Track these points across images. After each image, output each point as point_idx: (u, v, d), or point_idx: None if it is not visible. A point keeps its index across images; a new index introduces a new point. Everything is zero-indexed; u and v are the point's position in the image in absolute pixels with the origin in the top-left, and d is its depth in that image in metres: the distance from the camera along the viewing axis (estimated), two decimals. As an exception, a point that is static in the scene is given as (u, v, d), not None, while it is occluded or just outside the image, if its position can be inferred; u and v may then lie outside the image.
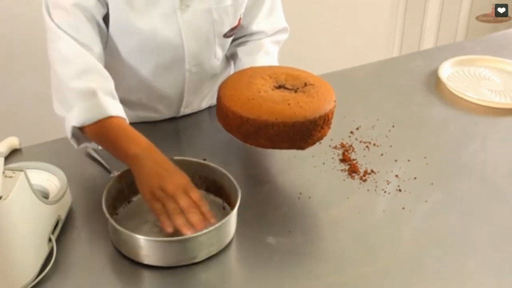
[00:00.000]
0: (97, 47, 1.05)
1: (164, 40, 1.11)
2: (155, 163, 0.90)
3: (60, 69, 1.02)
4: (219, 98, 1.02)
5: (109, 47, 1.12)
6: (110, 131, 0.97)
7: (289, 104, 0.97)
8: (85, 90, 0.99)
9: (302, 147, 0.99)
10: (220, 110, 1.02)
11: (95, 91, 0.99)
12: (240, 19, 1.19)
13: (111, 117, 0.97)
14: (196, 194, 0.87)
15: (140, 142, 0.94)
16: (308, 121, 0.95)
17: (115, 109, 0.99)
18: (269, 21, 1.26)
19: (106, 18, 1.08)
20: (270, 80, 1.03)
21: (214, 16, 1.13)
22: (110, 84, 1.03)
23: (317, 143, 1.02)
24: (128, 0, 1.05)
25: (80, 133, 1.01)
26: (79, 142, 1.03)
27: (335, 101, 1.01)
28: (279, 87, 1.02)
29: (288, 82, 1.04)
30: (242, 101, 0.98)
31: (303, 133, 0.96)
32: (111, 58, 1.13)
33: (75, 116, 0.98)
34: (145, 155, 0.91)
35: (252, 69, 1.10)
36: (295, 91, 1.01)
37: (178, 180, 0.89)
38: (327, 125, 1.00)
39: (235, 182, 0.94)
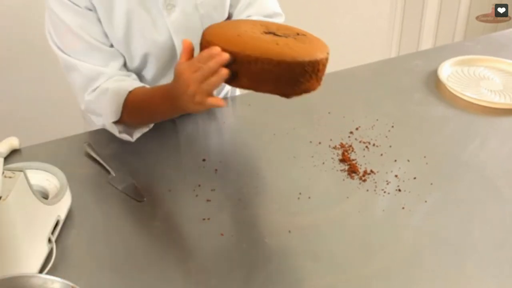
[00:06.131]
0: (114, 62, 1.10)
1: (157, 43, 1.10)
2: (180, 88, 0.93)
3: (79, 95, 1.11)
4: (202, 38, 0.93)
5: None
6: (139, 103, 1.06)
7: (277, 44, 0.88)
8: (98, 95, 1.08)
9: (287, 94, 0.90)
10: (202, 48, 0.92)
11: (104, 89, 1.07)
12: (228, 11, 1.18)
13: (129, 93, 1.06)
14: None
15: (164, 93, 1.01)
16: (295, 63, 0.85)
17: (126, 85, 1.07)
18: (253, 7, 1.20)
19: None
20: (260, 27, 0.95)
21: (201, 11, 1.11)
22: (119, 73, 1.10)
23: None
24: None
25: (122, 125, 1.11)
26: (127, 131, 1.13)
27: (328, 53, 0.91)
28: (269, 33, 0.93)
29: (280, 31, 0.95)
30: (227, 37, 0.89)
31: (289, 76, 0.86)
32: None
33: (106, 117, 1.08)
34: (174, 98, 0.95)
35: (241, 19, 1.04)
36: (286, 37, 0.92)
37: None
38: (316, 77, 0.90)
39: None
